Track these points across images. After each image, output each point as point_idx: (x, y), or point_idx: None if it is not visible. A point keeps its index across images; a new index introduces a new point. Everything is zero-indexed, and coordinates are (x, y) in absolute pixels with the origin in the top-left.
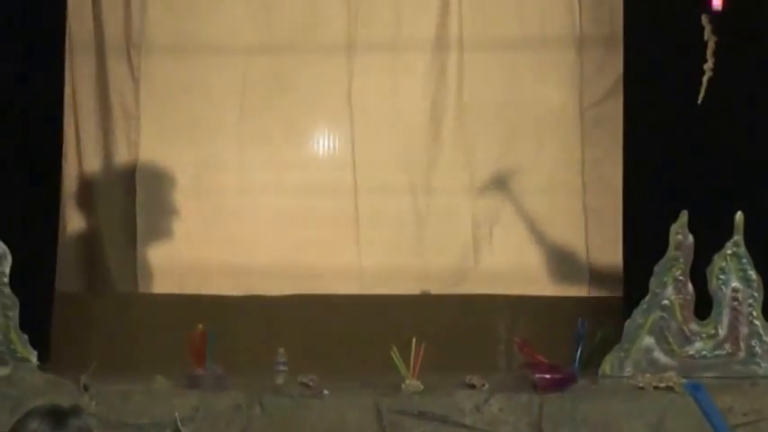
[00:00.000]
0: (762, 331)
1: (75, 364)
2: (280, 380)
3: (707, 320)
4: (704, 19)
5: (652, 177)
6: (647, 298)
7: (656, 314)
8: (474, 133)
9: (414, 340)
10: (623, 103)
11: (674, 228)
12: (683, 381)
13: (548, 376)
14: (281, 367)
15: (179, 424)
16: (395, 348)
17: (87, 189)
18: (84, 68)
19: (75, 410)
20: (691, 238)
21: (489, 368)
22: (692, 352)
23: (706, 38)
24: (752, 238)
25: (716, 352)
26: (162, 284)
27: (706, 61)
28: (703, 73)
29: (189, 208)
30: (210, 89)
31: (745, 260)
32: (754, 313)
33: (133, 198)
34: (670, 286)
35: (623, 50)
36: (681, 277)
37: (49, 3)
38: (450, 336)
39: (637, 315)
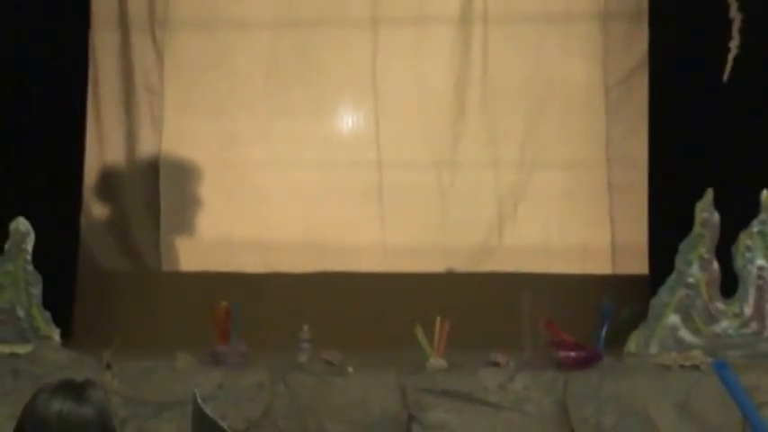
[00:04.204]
0: None
1: (98, 342)
2: (303, 357)
3: (732, 299)
4: None
5: (677, 154)
6: (672, 276)
7: (682, 292)
8: (498, 109)
9: (438, 318)
10: (648, 80)
11: (699, 205)
12: (709, 359)
13: (573, 354)
14: (305, 345)
15: (199, 401)
16: (419, 326)
17: (111, 165)
18: (107, 44)
19: (91, 383)
20: (716, 215)
21: (514, 346)
22: (717, 330)
23: (732, 15)
24: None
25: (742, 330)
26: (186, 261)
27: (732, 39)
28: (729, 50)
29: (212, 185)
30: (235, 65)
31: None
32: None
33: (157, 174)
34: (695, 264)
35: (648, 27)
36: (706, 255)
37: None
38: (474, 314)
39: (662, 293)
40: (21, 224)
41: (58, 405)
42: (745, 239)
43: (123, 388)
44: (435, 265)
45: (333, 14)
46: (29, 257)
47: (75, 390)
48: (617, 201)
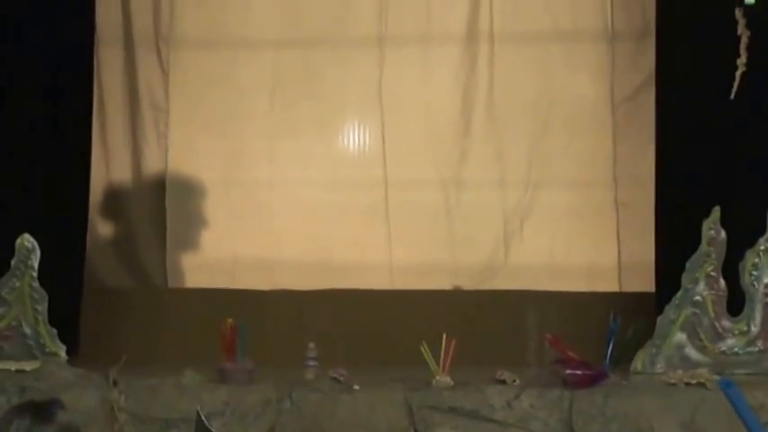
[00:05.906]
0: None
1: (105, 359)
2: (310, 374)
3: (739, 317)
4: (738, 13)
5: (684, 172)
6: (678, 294)
7: (688, 310)
8: (504, 128)
9: (444, 336)
10: (655, 98)
11: (706, 223)
12: (715, 377)
13: (579, 372)
14: (311, 362)
15: (203, 418)
16: (425, 344)
17: (117, 182)
18: (113, 61)
19: (57, 402)
20: (723, 233)
21: (520, 364)
22: (724, 348)
23: (739, 32)
24: None
25: (748, 349)
26: (192, 279)
27: (739, 56)
28: (736, 68)
29: (218, 202)
30: (240, 82)
31: None
32: None
33: (163, 191)
34: (702, 282)
35: (655, 45)
36: (713, 273)
37: None
38: (480, 331)
39: (668, 311)
40: (26, 241)
41: (16, 425)
42: (751, 257)
43: (130, 405)
44: (441, 283)
45: (338, 32)
46: (35, 274)
47: (35, 410)
48: (624, 218)
